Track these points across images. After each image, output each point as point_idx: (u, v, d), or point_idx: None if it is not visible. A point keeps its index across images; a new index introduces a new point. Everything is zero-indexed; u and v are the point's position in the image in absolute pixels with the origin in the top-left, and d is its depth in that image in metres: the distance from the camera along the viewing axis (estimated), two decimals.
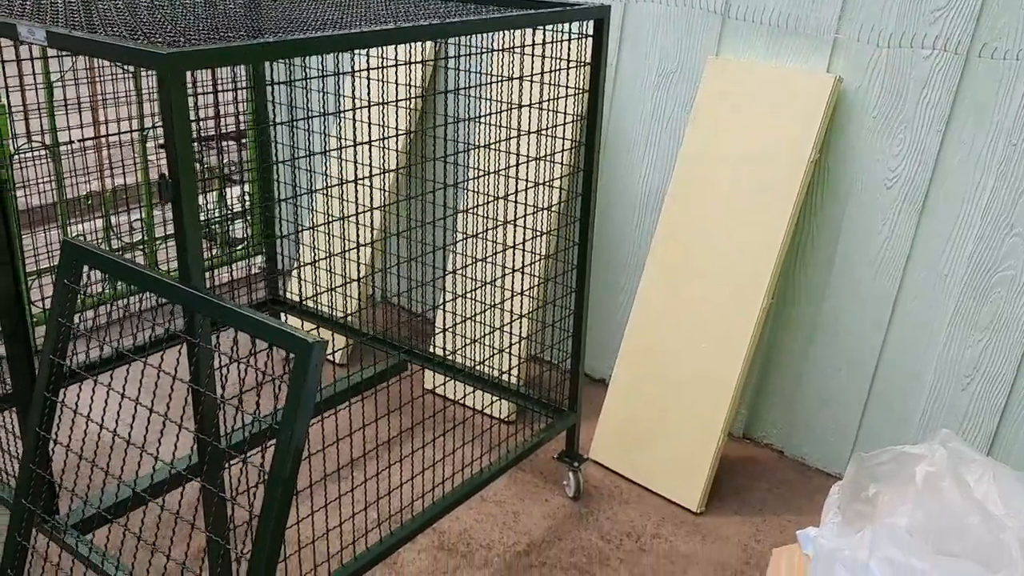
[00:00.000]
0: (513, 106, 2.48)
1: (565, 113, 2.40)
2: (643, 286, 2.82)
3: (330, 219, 2.66)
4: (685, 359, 2.70)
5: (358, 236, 2.10)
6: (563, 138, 2.54)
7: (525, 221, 2.45)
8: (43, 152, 3.13)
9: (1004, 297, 2.42)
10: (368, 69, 1.91)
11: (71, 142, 3.20)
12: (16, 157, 3.05)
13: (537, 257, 2.79)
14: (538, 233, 2.76)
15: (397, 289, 2.01)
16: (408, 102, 3.17)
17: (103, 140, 3.46)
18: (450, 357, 2.70)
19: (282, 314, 3.41)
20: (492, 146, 2.40)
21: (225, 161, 3.99)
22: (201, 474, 1.51)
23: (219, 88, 3.74)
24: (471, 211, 2.75)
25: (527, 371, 3.05)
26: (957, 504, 1.65)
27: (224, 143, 4.08)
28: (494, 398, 2.90)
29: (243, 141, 4.02)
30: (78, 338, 1.72)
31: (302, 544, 1.99)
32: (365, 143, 1.98)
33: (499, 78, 2.61)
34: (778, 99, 2.60)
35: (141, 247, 3.68)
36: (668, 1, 2.80)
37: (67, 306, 1.56)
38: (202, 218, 3.89)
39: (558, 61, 2.39)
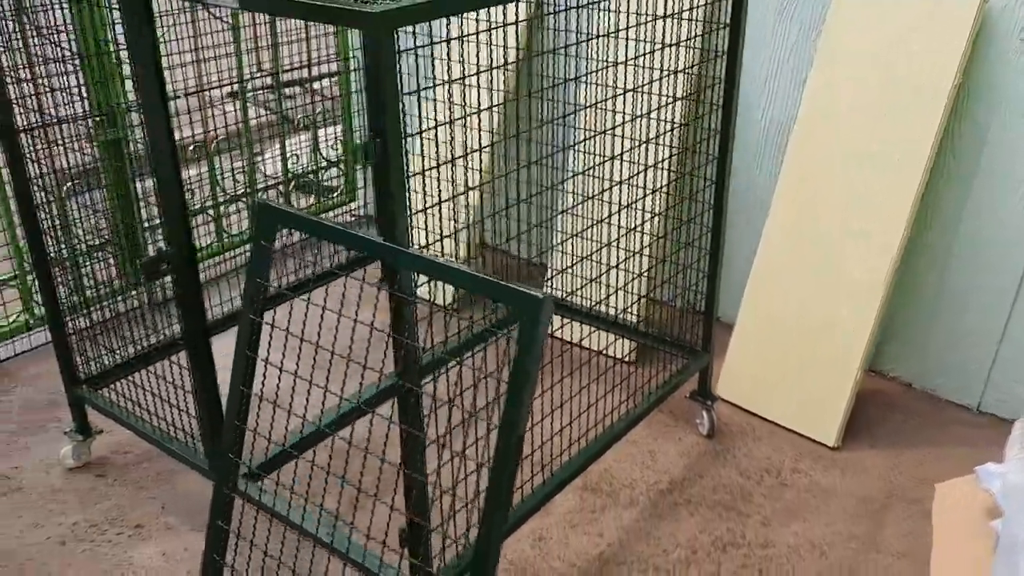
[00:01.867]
0: (654, 48, 2.42)
1: (704, 49, 2.34)
2: (769, 224, 2.78)
3: (438, 162, 2.65)
4: (816, 298, 2.67)
5: (466, 179, 2.04)
6: (704, 75, 2.48)
7: (656, 157, 2.41)
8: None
9: None
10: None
11: (176, 96, 3.21)
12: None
13: (666, 194, 2.76)
14: (671, 172, 2.73)
15: (516, 232, 2.00)
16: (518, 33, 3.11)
17: (206, 92, 3.48)
18: (564, 297, 2.70)
19: None
20: (639, 89, 2.35)
21: (308, 106, 3.99)
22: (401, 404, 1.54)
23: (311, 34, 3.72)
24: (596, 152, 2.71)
25: (648, 312, 3.05)
26: None
27: (303, 87, 4.07)
28: (616, 338, 2.90)
29: (333, 81, 4.01)
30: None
31: (468, 499, 2.04)
32: (473, 74, 1.89)
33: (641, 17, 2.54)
34: (916, 22, 2.50)
35: (245, 196, 3.71)
36: None
37: (264, 266, 1.58)
38: (299, 167, 3.92)
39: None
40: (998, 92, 2.49)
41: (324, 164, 4.00)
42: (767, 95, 2.90)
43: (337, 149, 4.07)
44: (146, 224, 3.07)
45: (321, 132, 3.96)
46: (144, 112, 1.82)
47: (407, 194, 1.44)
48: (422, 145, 1.62)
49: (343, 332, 1.65)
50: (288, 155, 3.76)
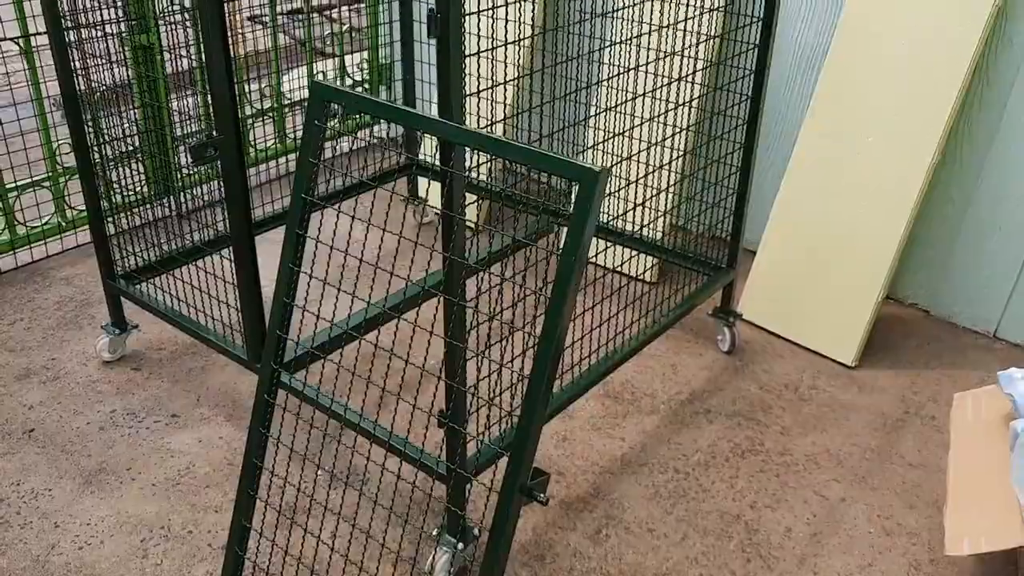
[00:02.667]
0: None
1: None
2: (798, 150, 2.80)
3: (492, 45, 2.66)
4: (840, 221, 2.71)
5: (503, 98, 2.06)
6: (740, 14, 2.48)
7: (691, 94, 2.42)
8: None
9: None
10: None
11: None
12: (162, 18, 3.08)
13: (698, 108, 2.78)
14: (704, 86, 2.74)
15: (550, 130, 2.02)
16: None
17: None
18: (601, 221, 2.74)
19: (419, 178, 3.47)
20: (671, 26, 2.36)
21: (326, 32, 3.99)
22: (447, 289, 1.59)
23: None
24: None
25: (673, 232, 3.09)
26: None
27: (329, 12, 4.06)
28: (644, 258, 2.94)
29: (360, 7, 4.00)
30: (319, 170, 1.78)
31: (492, 397, 2.10)
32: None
33: None
34: None
35: (271, 112, 3.73)
36: None
37: (317, 145, 1.62)
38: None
39: None
40: None
41: (350, 84, 4.00)
42: (802, 18, 2.90)
43: (363, 68, 4.08)
44: (177, 134, 3.10)
45: (348, 59, 3.97)
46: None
47: (464, 74, 1.47)
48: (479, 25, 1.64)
49: (373, 243, 1.69)
50: (315, 75, 3.77)
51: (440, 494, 2.09)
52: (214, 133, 1.91)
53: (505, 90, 3.12)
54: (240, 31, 3.60)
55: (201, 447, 2.33)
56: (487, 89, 1.77)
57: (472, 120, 1.79)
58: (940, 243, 2.86)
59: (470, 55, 1.53)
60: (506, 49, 1.87)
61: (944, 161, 2.74)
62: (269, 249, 2.22)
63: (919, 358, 2.76)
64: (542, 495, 1.45)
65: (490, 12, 1.73)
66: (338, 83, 3.92)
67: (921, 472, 2.29)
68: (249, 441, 1.73)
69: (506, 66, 1.98)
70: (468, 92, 1.64)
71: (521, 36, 2.13)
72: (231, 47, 1.87)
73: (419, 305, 2.40)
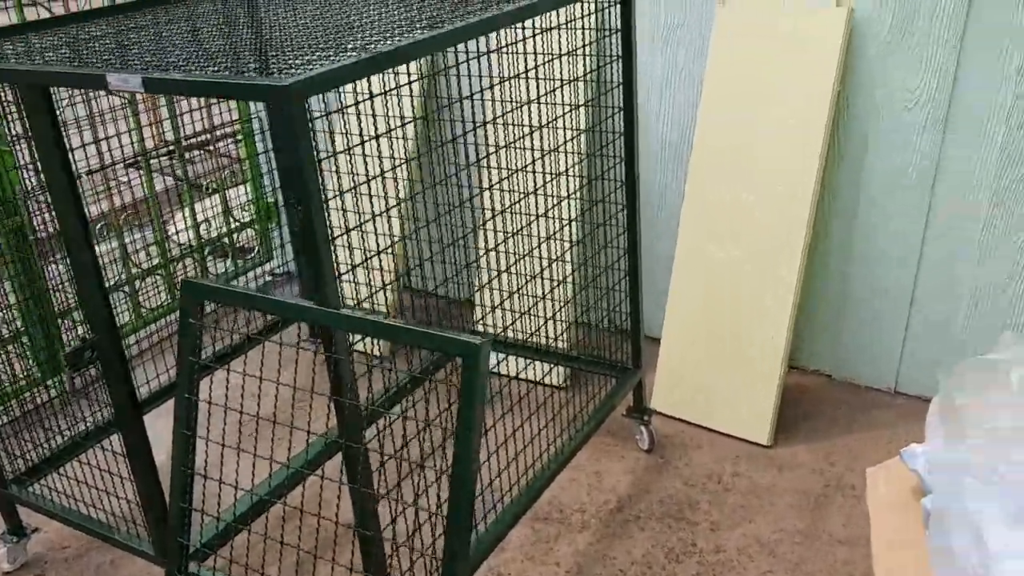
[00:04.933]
0: (555, 85, 2.50)
1: (604, 83, 2.43)
2: (681, 237, 2.89)
3: (364, 218, 2.68)
4: (734, 301, 2.79)
5: (389, 228, 2.08)
6: (605, 106, 2.58)
7: (567, 189, 2.49)
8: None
9: None
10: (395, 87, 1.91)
11: (78, 174, 3.15)
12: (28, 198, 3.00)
13: (579, 222, 2.84)
14: (583, 200, 2.81)
15: (435, 276, 2.04)
16: (420, 88, 3.17)
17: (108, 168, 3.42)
18: (497, 334, 2.75)
19: None
20: (547, 125, 2.43)
21: (203, 171, 3.95)
22: (353, 478, 1.55)
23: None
24: (501, 187, 2.78)
25: (576, 336, 3.12)
26: None
27: (207, 151, 4.04)
28: (549, 366, 2.96)
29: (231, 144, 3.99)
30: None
31: (424, 549, 2.05)
32: (383, 134, 1.95)
33: (543, 57, 2.63)
34: (793, 38, 2.66)
35: (159, 269, 3.65)
36: None
37: (195, 343, 1.58)
38: (211, 231, 3.87)
39: (596, 32, 2.42)
40: (873, 93, 2.66)
41: (237, 226, 3.96)
42: (662, 118, 3.02)
43: (249, 210, 4.04)
44: (58, 310, 2.99)
45: (231, 192, 3.93)
46: (52, 197, 1.79)
47: (332, 256, 1.47)
48: (341, 206, 1.65)
49: (271, 396, 1.65)
50: (200, 220, 3.72)
51: None
52: (86, 335, 1.85)
53: (399, 210, 3.14)
54: (116, 182, 3.53)
55: None
56: (356, 227, 1.76)
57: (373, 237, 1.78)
58: (831, 310, 2.97)
59: (337, 236, 1.53)
60: (386, 212, 1.88)
61: (818, 236, 2.87)
62: (167, 421, 2.13)
63: (830, 427, 2.83)
64: None
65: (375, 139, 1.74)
66: (224, 227, 3.87)
67: (850, 549, 2.32)
68: None
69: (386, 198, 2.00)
70: (363, 221, 1.63)
71: (398, 193, 2.14)
72: (111, 199, 1.82)
73: (330, 457, 2.34)
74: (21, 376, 2.61)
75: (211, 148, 4.02)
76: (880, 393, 2.97)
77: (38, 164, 2.69)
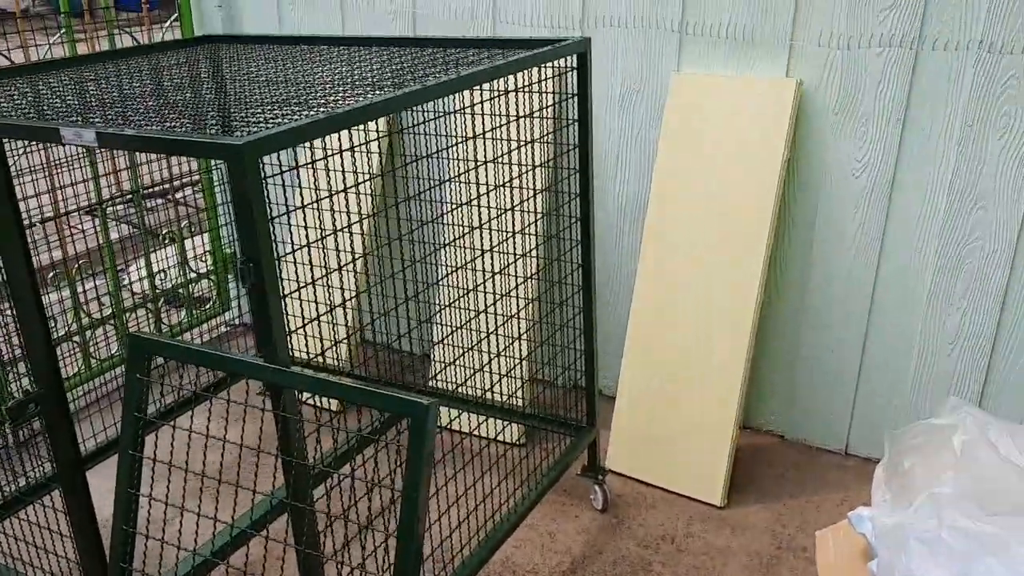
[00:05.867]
0: (512, 145, 2.55)
1: (561, 144, 2.48)
2: (636, 299, 2.93)
3: (323, 272, 2.68)
4: (687, 360, 2.82)
5: (341, 283, 2.10)
6: (563, 168, 2.63)
7: (525, 247, 2.52)
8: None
9: (976, 266, 2.61)
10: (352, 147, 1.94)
11: (31, 223, 3.12)
12: None
13: (536, 279, 2.87)
14: (539, 258, 2.84)
15: (389, 331, 2.05)
16: (376, 149, 3.20)
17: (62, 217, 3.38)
18: (453, 390, 2.75)
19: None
20: (504, 186, 2.47)
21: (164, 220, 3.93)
22: (300, 538, 1.53)
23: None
24: (463, 243, 2.80)
25: (532, 393, 3.12)
26: (994, 467, 1.80)
27: (166, 200, 4.02)
28: (504, 424, 2.95)
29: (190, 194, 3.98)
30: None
31: None
32: (342, 191, 1.97)
33: (501, 119, 2.69)
34: (744, 107, 2.75)
35: (112, 320, 3.59)
36: (626, 24, 2.92)
37: (141, 399, 1.55)
38: (166, 282, 3.83)
39: (555, 96, 2.48)
40: (821, 160, 2.75)
41: (194, 276, 3.93)
42: (619, 180, 3.08)
43: (206, 260, 4.01)
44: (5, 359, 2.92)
45: (189, 243, 3.90)
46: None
47: (284, 314, 1.46)
48: (295, 262, 1.65)
49: (218, 453, 1.63)
50: (156, 271, 3.68)
51: None
52: (29, 388, 1.81)
53: (354, 267, 3.14)
54: (71, 230, 3.49)
55: None
56: (313, 281, 1.77)
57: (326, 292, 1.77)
58: (782, 371, 3.01)
59: (290, 292, 1.53)
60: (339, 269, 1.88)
61: (770, 299, 2.92)
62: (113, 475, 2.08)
63: (782, 487, 2.84)
64: None
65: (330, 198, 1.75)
66: (180, 278, 3.84)
67: None
68: None
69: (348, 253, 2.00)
70: (316, 278, 1.63)
71: (346, 224, 2.15)
72: (63, 247, 1.80)
73: (276, 517, 2.30)
74: None
75: (171, 197, 4.00)
76: (832, 454, 3.00)
77: None
